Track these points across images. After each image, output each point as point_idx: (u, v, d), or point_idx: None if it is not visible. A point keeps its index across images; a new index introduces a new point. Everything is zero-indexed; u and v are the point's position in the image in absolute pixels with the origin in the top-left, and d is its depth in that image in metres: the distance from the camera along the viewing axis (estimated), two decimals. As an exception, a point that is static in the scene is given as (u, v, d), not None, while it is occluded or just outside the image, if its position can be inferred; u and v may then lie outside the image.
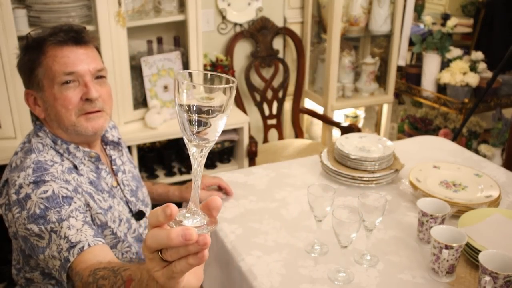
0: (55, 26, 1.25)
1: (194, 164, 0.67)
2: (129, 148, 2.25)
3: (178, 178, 2.56)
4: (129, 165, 1.48)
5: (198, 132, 0.64)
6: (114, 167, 1.41)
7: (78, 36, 1.24)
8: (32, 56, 1.23)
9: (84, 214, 1.15)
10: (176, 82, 0.63)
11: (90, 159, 1.30)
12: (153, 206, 1.57)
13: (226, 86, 0.63)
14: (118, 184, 1.38)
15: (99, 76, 1.27)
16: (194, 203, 0.67)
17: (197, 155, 0.67)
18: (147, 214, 1.46)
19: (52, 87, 1.22)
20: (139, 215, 1.41)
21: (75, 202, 1.15)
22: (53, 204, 1.12)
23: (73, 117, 1.23)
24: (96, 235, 1.11)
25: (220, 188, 1.60)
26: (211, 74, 0.66)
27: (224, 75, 0.66)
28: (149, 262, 0.65)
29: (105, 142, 1.42)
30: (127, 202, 1.39)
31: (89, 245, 1.07)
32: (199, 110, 0.63)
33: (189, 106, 0.63)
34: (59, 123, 1.25)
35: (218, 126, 0.65)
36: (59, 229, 1.09)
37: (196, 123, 0.64)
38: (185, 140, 0.66)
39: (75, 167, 1.26)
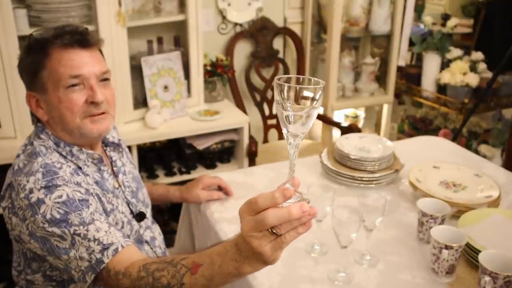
0: (58, 27, 1.22)
1: (292, 151, 0.82)
2: (129, 148, 2.25)
3: (178, 178, 2.55)
4: (129, 166, 1.47)
5: (294, 124, 0.79)
6: (114, 168, 1.40)
7: (84, 38, 1.21)
8: (36, 58, 1.20)
9: (104, 216, 1.16)
10: (276, 84, 0.77)
11: (93, 161, 1.29)
12: (153, 207, 1.56)
13: (316, 86, 0.78)
14: (119, 185, 1.38)
15: (104, 79, 1.26)
16: (291, 183, 0.82)
17: (294, 144, 0.82)
18: (147, 215, 1.46)
19: (57, 90, 1.20)
20: (140, 216, 1.40)
21: (91, 204, 1.15)
22: (72, 207, 1.11)
23: (77, 119, 1.22)
24: (124, 236, 1.12)
25: (220, 188, 1.60)
26: (303, 78, 0.81)
27: (313, 78, 0.80)
28: (256, 240, 0.79)
29: (105, 143, 1.41)
30: (128, 204, 1.38)
31: (122, 246, 1.08)
32: (294, 107, 0.78)
33: (285, 103, 0.77)
34: (63, 125, 1.23)
35: (310, 119, 0.79)
36: (84, 232, 1.09)
37: (292, 118, 0.78)
38: (284, 132, 0.81)
39: (79, 168, 1.26)
